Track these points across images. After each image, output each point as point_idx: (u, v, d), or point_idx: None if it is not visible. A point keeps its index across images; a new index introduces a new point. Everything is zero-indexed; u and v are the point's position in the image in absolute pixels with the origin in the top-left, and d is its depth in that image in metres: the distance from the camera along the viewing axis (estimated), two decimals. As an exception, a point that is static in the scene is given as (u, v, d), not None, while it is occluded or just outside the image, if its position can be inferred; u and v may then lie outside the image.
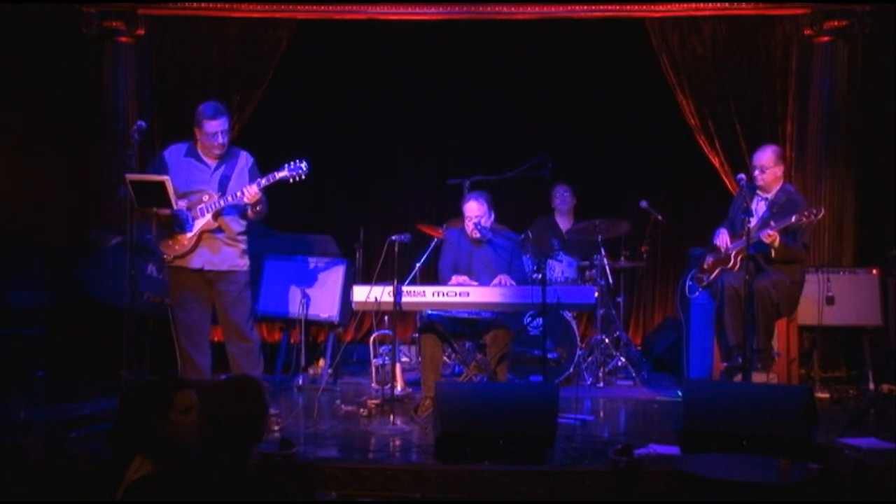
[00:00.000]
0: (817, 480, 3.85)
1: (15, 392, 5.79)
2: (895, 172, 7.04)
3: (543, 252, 6.08)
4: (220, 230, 5.29)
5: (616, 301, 7.17)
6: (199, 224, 5.24)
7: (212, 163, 5.33)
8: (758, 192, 5.92)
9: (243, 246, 5.41)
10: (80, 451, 4.43)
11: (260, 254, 6.69)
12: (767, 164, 5.84)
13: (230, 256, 5.35)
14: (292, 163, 5.28)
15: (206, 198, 5.25)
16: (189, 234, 5.24)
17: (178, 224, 5.23)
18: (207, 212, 5.24)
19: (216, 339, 6.03)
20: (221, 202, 5.23)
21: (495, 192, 6.29)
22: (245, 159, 5.42)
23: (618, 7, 7.26)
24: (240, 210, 5.33)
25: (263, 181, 5.22)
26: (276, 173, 5.26)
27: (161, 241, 5.30)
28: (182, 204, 5.21)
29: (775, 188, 5.90)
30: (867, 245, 7.12)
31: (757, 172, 5.85)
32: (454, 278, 5.82)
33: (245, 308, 5.45)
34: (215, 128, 5.21)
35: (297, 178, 5.29)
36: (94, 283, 6.42)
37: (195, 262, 5.29)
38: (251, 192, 5.18)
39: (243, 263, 5.41)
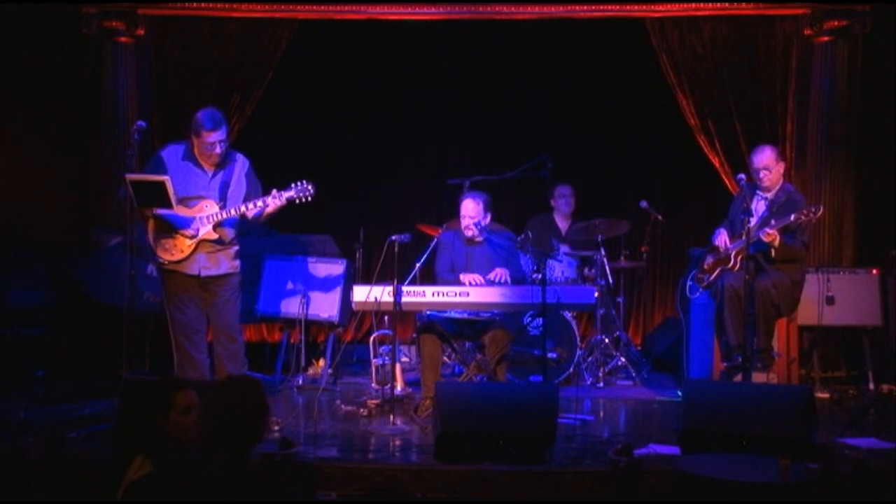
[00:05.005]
0: (817, 480, 3.85)
1: (15, 392, 5.80)
2: (895, 172, 7.04)
3: (543, 252, 6.08)
4: (218, 240, 5.28)
5: (616, 301, 7.18)
6: (201, 233, 5.23)
7: (210, 168, 5.29)
8: (759, 191, 5.92)
9: (236, 247, 5.40)
10: (80, 451, 4.43)
11: (260, 254, 6.70)
12: (771, 163, 5.83)
13: (225, 261, 5.34)
14: (300, 183, 5.23)
15: (206, 205, 5.22)
16: (189, 242, 5.22)
17: (179, 223, 5.22)
18: (209, 222, 5.22)
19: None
20: (223, 214, 5.21)
21: (495, 192, 6.29)
22: (242, 163, 5.38)
23: (618, 7, 7.26)
24: (238, 217, 5.31)
25: (270, 200, 5.20)
26: (283, 193, 5.22)
27: (158, 245, 5.27)
28: (181, 209, 5.19)
29: (776, 187, 5.90)
30: (867, 245, 7.12)
31: (763, 174, 5.82)
32: (462, 276, 5.81)
33: (236, 308, 5.43)
34: (214, 138, 5.16)
35: (304, 200, 5.26)
36: (94, 283, 6.43)
37: (192, 268, 5.27)
38: (276, 205, 5.17)
39: (237, 265, 5.40)
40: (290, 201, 5.26)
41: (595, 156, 8.13)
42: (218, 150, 5.20)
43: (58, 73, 7.18)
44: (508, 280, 5.80)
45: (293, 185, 5.25)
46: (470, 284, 5.69)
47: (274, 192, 5.22)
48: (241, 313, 5.54)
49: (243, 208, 5.20)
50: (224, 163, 5.32)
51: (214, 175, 5.29)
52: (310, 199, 5.27)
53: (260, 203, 5.19)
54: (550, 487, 4.21)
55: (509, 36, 7.79)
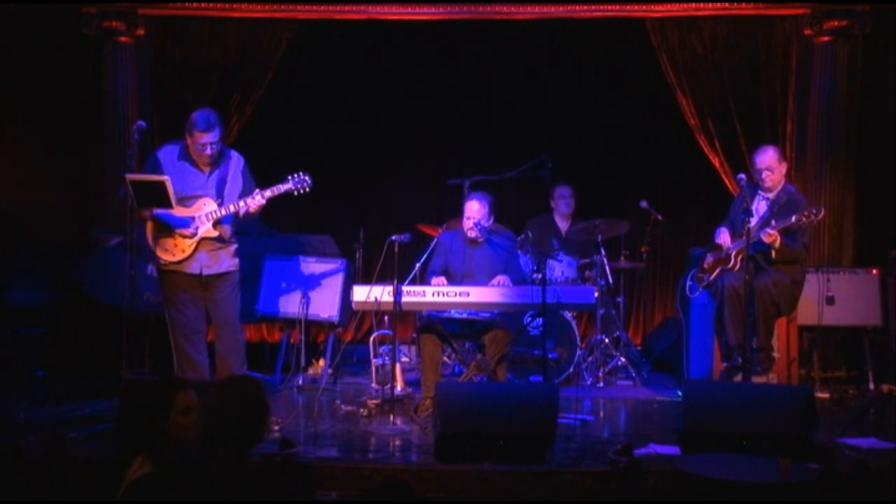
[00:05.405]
0: (817, 480, 3.85)
1: (15, 392, 5.80)
2: (895, 172, 7.04)
3: (543, 252, 6.08)
4: (218, 237, 5.28)
5: (616, 301, 7.17)
6: (200, 231, 5.23)
7: (206, 167, 5.29)
8: (760, 192, 5.92)
9: (235, 245, 5.41)
10: (80, 451, 4.43)
11: (260, 254, 6.70)
12: (773, 164, 5.83)
13: (225, 259, 5.35)
14: (296, 175, 5.25)
15: (204, 203, 5.23)
16: (189, 241, 5.22)
17: (178, 223, 5.22)
18: (208, 220, 5.22)
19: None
20: (223, 211, 5.21)
21: (495, 192, 6.29)
22: (237, 160, 5.38)
23: (618, 7, 7.26)
24: (234, 214, 5.31)
25: (268, 192, 5.19)
26: (280, 185, 5.23)
27: (158, 246, 5.27)
28: (180, 209, 5.19)
29: (777, 188, 5.90)
30: (867, 245, 7.12)
31: (765, 175, 5.81)
32: (433, 280, 5.81)
33: (236, 306, 5.44)
34: (206, 140, 5.16)
35: (301, 192, 5.27)
36: (94, 283, 6.42)
37: (193, 267, 5.27)
38: (256, 204, 5.18)
39: (236, 262, 5.41)
40: (289, 193, 5.28)
41: (595, 156, 8.12)
42: (209, 151, 5.20)
43: (58, 73, 7.18)
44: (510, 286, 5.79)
45: (290, 178, 5.26)
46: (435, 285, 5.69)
47: (257, 191, 5.22)
48: (241, 313, 5.54)
49: (242, 203, 5.21)
50: (219, 161, 5.32)
51: (211, 173, 5.30)
52: (307, 189, 5.27)
53: (242, 204, 5.20)
54: (550, 487, 4.21)
55: (509, 36, 7.79)
